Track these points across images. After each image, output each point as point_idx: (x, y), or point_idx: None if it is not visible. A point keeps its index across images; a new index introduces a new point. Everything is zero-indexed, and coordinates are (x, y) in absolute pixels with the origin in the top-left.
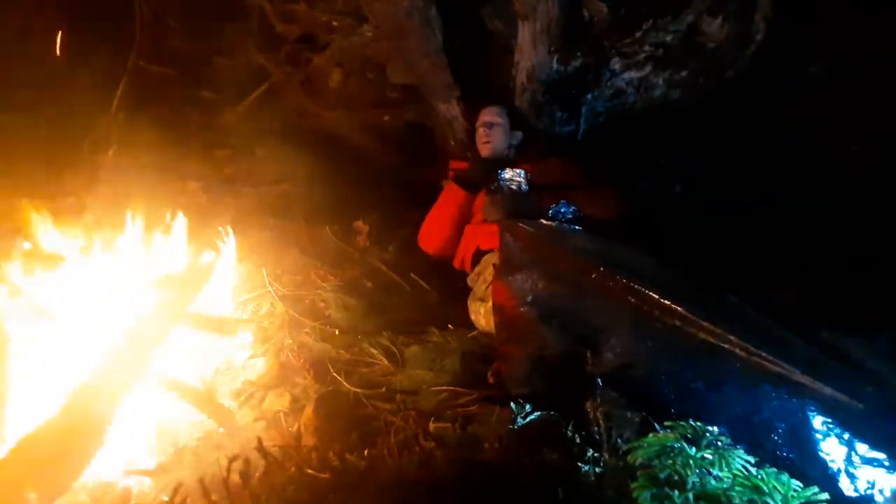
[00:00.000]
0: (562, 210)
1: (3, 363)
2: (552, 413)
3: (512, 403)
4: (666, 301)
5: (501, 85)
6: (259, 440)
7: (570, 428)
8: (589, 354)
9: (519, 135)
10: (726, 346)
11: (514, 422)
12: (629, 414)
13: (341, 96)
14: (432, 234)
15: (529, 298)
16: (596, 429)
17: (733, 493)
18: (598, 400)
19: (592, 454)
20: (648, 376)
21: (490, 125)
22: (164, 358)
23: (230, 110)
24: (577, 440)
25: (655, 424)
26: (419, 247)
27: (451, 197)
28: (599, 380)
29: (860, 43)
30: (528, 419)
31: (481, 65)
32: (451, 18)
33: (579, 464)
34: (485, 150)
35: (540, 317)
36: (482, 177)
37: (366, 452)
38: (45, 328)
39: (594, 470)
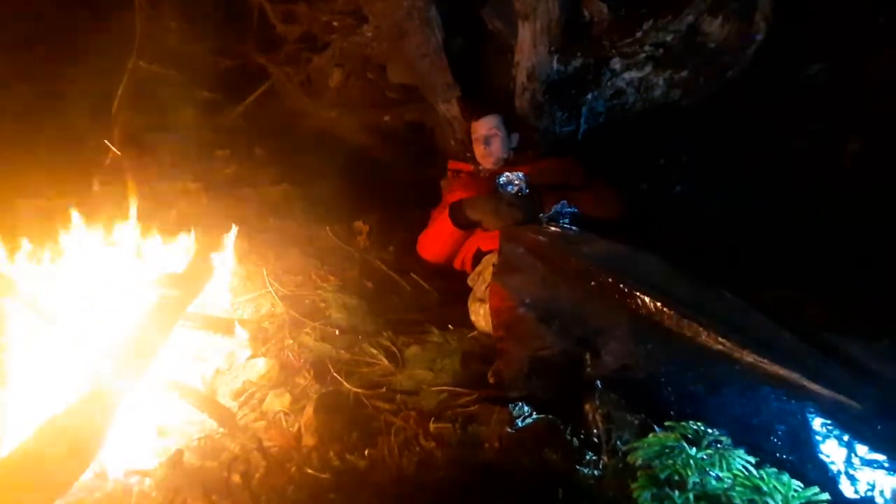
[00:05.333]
0: (562, 210)
1: (3, 363)
2: (551, 415)
3: (510, 406)
4: (666, 304)
5: (501, 85)
6: (259, 440)
7: (569, 430)
8: (588, 356)
9: (516, 136)
10: (726, 348)
11: (512, 424)
12: (628, 416)
13: (341, 96)
14: (433, 251)
15: (528, 301)
16: (595, 431)
17: (734, 494)
18: (598, 402)
19: (591, 456)
20: (648, 378)
21: (488, 139)
22: (165, 358)
23: (230, 110)
24: (576, 442)
25: (655, 426)
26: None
27: (448, 227)
28: (599, 382)
29: (860, 43)
30: (526, 421)
31: (481, 65)
32: (451, 18)
33: (578, 466)
34: (487, 164)
35: (539, 318)
36: (474, 219)
37: (366, 452)
38: (45, 328)
39: (593, 472)
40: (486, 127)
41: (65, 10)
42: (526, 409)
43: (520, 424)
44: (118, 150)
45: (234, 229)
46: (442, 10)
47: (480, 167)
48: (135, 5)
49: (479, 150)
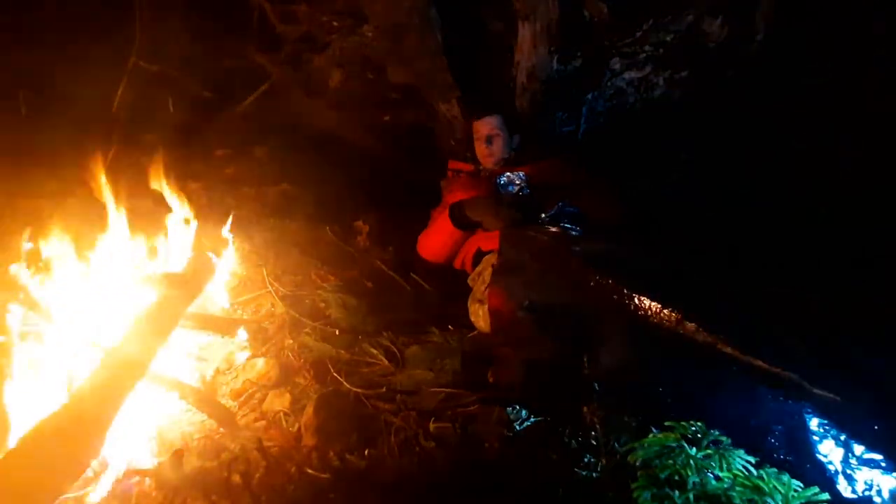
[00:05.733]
0: (562, 210)
1: (3, 363)
2: (549, 418)
3: (508, 409)
4: (664, 305)
5: (501, 85)
6: (259, 440)
7: (567, 432)
8: (585, 359)
9: (517, 137)
10: (723, 349)
11: (511, 427)
12: (626, 418)
13: (341, 96)
14: (432, 251)
15: (526, 303)
16: (593, 433)
17: (734, 494)
18: (595, 404)
19: (590, 458)
20: (644, 381)
21: (490, 139)
22: (165, 358)
23: (230, 110)
24: (574, 444)
25: (653, 428)
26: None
27: (448, 227)
28: (596, 384)
29: (860, 43)
30: (524, 425)
31: (481, 65)
32: (451, 18)
33: (577, 469)
34: (488, 163)
35: (537, 321)
36: (474, 220)
37: (366, 452)
38: (45, 328)
39: (592, 474)
40: (487, 126)
41: (65, 11)
42: (524, 412)
43: (518, 428)
44: (118, 150)
45: (232, 228)
46: (442, 10)
47: (481, 167)
48: (135, 5)
49: (480, 149)
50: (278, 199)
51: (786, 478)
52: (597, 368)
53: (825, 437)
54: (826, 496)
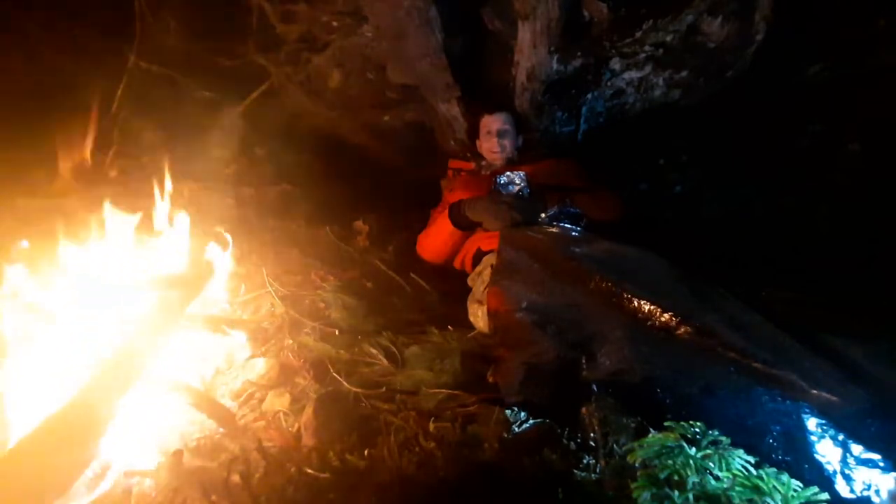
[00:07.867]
0: (564, 210)
1: (3, 363)
2: (548, 420)
3: (507, 411)
4: (664, 306)
5: (501, 85)
6: (259, 440)
7: (565, 434)
8: (584, 360)
9: (521, 138)
10: (723, 350)
11: (509, 429)
12: (625, 419)
13: (341, 96)
14: (432, 251)
15: (525, 304)
16: (591, 434)
17: (733, 494)
18: (594, 406)
19: (588, 460)
20: (644, 381)
21: (503, 133)
22: (164, 358)
23: (230, 110)
24: (573, 446)
25: (651, 429)
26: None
27: (448, 227)
28: (594, 386)
29: (860, 43)
30: (522, 427)
31: (481, 65)
32: (451, 18)
33: (575, 470)
34: (496, 159)
35: (536, 322)
36: (473, 220)
37: (366, 452)
38: (45, 328)
39: (591, 476)
40: (499, 121)
41: (64, 11)
42: (522, 414)
43: (517, 428)
44: (117, 150)
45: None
46: (442, 10)
47: (484, 163)
48: (135, 5)
49: (490, 143)
50: (278, 199)
51: (785, 478)
52: (596, 369)
53: (823, 438)
54: (825, 496)
